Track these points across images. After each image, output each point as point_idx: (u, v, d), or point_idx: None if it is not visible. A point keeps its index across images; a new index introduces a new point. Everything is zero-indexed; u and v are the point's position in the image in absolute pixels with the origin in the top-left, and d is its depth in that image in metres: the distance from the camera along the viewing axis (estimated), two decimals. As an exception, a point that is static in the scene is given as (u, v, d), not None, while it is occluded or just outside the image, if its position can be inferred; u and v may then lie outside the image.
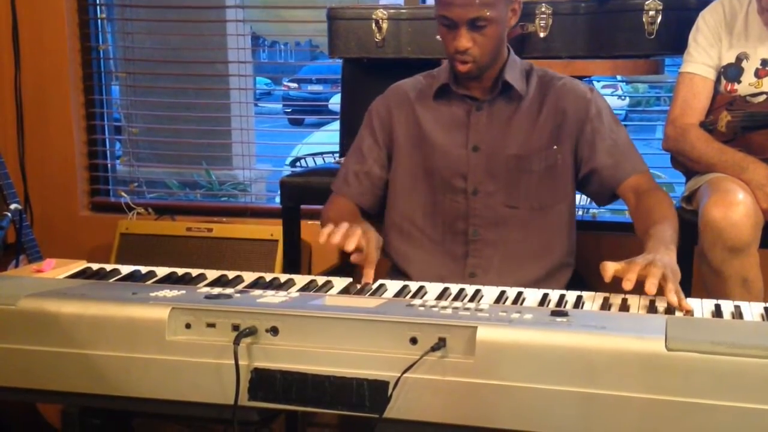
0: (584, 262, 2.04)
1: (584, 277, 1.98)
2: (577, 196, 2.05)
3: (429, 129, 1.92)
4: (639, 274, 1.44)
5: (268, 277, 1.64)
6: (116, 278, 1.64)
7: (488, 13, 1.76)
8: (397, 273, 1.95)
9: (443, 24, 1.82)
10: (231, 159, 3.64)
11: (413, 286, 1.58)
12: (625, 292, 1.46)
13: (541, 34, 2.44)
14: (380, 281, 1.61)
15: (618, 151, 1.88)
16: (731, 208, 1.87)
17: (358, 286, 1.58)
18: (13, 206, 2.35)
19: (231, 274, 1.66)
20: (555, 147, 1.87)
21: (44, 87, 3.30)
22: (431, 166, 1.91)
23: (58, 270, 1.67)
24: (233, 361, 1.26)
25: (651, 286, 1.41)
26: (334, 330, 1.27)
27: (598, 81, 3.95)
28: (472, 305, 1.32)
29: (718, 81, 2.17)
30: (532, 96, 1.90)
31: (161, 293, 1.41)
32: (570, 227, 1.93)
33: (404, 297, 1.52)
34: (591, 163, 1.87)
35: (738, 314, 1.39)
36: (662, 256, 1.50)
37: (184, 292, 1.42)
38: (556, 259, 1.90)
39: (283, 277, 1.64)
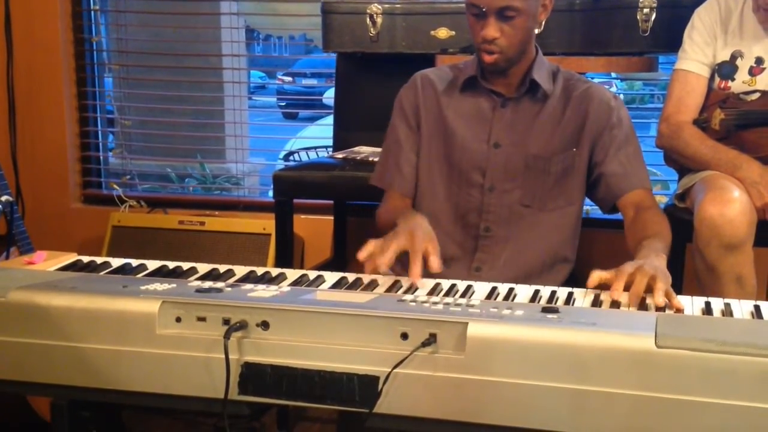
0: (577, 258, 2.04)
1: (576, 273, 1.98)
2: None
3: (452, 120, 1.91)
4: (628, 280, 1.43)
5: (260, 271, 1.64)
6: (107, 271, 1.63)
7: (518, 4, 1.75)
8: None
9: (472, 13, 1.80)
10: (224, 152, 3.64)
11: (405, 281, 1.58)
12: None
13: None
14: (372, 276, 1.61)
15: (629, 162, 1.87)
16: (727, 205, 1.87)
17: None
18: (4, 198, 2.34)
19: (222, 268, 1.66)
20: (574, 149, 1.87)
21: (37, 78, 3.30)
22: (451, 157, 1.90)
23: (49, 262, 1.66)
24: (223, 355, 1.26)
25: (639, 285, 1.41)
26: (324, 324, 1.26)
27: (593, 78, 3.95)
28: (463, 301, 1.32)
29: (711, 78, 2.18)
30: (558, 97, 1.89)
31: (152, 286, 1.40)
32: (576, 227, 1.94)
33: (396, 292, 1.52)
34: (601, 167, 1.87)
35: (728, 312, 1.40)
36: (651, 261, 1.50)
37: (174, 285, 1.42)
38: (560, 257, 1.91)
39: (275, 272, 1.64)
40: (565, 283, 1.90)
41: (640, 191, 1.86)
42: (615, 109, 1.89)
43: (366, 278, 1.59)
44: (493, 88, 1.89)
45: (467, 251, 1.89)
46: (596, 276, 1.47)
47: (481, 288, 1.54)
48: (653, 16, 2.36)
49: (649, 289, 1.42)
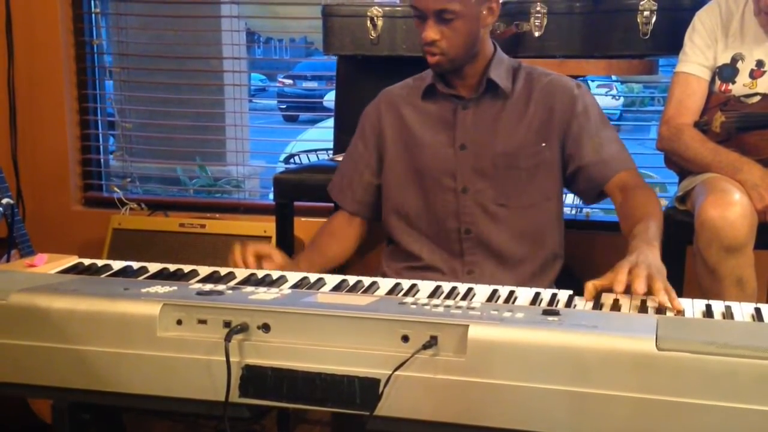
0: (577, 261, 2.04)
1: (576, 276, 1.98)
2: (570, 197, 2.05)
3: (416, 129, 1.93)
4: (626, 279, 1.44)
5: (261, 273, 1.64)
6: (108, 274, 1.63)
7: (455, 7, 1.77)
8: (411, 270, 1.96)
9: (415, 15, 1.84)
10: (225, 155, 3.64)
11: (405, 283, 1.58)
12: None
13: (536, 34, 2.44)
14: (372, 278, 1.61)
15: (605, 148, 1.87)
16: (728, 208, 1.87)
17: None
18: (5, 201, 2.34)
19: (223, 271, 1.66)
20: (543, 144, 1.87)
21: (37, 81, 3.30)
22: (420, 166, 1.92)
23: (50, 265, 1.67)
24: (224, 358, 1.26)
25: (639, 287, 1.41)
26: (325, 327, 1.26)
27: (593, 81, 3.95)
28: (464, 303, 1.32)
29: (712, 81, 2.18)
30: (519, 93, 1.89)
31: (153, 289, 1.40)
32: (559, 221, 1.94)
33: (396, 295, 1.52)
34: (578, 160, 1.87)
35: (729, 314, 1.39)
36: (645, 256, 1.50)
37: (175, 288, 1.42)
38: (548, 253, 1.91)
39: (276, 274, 1.64)
40: (559, 280, 1.91)
41: (623, 174, 1.86)
42: (579, 98, 1.89)
43: (366, 281, 1.59)
44: (452, 92, 1.90)
45: (455, 256, 1.90)
46: (591, 287, 1.47)
47: (482, 290, 1.54)
48: (653, 19, 2.36)
49: (649, 291, 1.42)
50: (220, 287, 1.42)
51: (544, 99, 1.88)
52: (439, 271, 1.89)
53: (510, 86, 1.89)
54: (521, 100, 1.89)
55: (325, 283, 1.59)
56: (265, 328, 1.28)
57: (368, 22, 2.59)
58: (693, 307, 1.43)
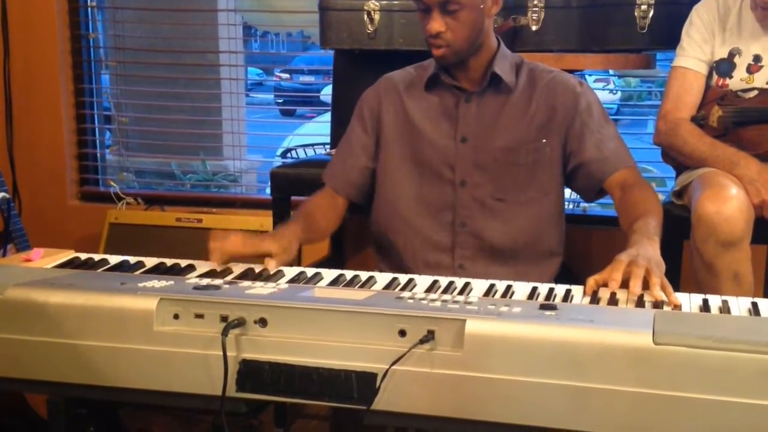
0: (574, 255, 2.04)
1: (573, 271, 1.98)
2: (567, 191, 2.04)
3: (417, 119, 1.92)
4: (624, 272, 1.44)
5: (258, 268, 1.64)
6: (104, 268, 1.63)
7: None
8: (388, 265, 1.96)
9: (419, 8, 1.83)
10: (221, 149, 3.63)
11: (402, 278, 1.58)
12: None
13: (533, 28, 2.44)
14: (369, 273, 1.61)
15: (606, 145, 1.87)
16: (725, 202, 1.87)
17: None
18: (1, 195, 2.34)
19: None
20: (544, 140, 1.87)
21: (33, 75, 3.29)
22: (419, 156, 1.91)
23: (47, 259, 1.66)
24: (221, 352, 1.26)
25: (635, 287, 1.41)
26: (322, 322, 1.26)
27: (590, 75, 3.95)
28: (461, 298, 1.32)
29: (709, 76, 2.18)
30: (522, 89, 1.89)
31: (150, 283, 1.40)
32: (558, 218, 1.94)
33: (393, 289, 1.52)
34: (578, 157, 1.87)
35: (725, 309, 1.40)
36: (645, 251, 1.50)
37: (172, 282, 1.42)
38: (544, 250, 1.91)
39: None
40: (558, 278, 1.91)
41: (624, 171, 1.87)
42: (581, 95, 1.89)
43: (363, 275, 1.59)
44: (456, 83, 1.89)
45: (446, 249, 1.89)
46: (592, 281, 1.47)
47: (479, 285, 1.54)
48: (651, 13, 2.35)
49: (646, 284, 1.42)
50: (217, 282, 1.42)
51: (547, 96, 1.88)
52: (429, 266, 1.88)
53: (514, 81, 1.89)
54: (524, 96, 1.89)
55: (322, 278, 1.59)
56: (262, 322, 1.28)
57: (365, 15, 2.58)
58: (690, 301, 1.43)
